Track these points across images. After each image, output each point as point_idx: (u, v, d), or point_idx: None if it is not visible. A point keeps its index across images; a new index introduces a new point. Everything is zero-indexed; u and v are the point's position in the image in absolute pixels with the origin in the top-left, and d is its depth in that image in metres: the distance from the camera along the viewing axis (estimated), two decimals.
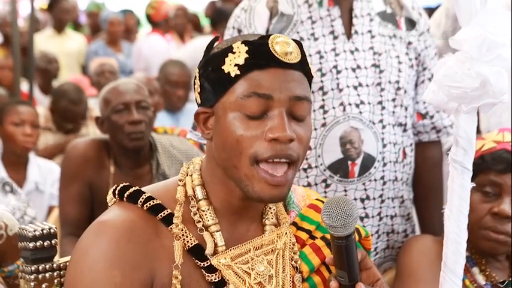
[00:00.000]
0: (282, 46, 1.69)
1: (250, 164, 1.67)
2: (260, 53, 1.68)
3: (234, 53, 1.68)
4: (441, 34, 3.94)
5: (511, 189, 2.42)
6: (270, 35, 1.71)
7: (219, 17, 8.17)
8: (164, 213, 1.72)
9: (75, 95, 5.52)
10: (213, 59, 1.71)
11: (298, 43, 1.73)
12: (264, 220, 1.82)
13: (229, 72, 1.67)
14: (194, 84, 1.77)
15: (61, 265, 1.87)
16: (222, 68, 1.68)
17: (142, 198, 1.73)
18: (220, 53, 1.70)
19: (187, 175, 1.80)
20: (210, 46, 1.75)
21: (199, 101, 1.76)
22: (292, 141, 1.67)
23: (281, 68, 1.68)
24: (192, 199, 1.76)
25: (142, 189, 1.77)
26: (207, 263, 1.72)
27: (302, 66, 1.72)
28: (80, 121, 5.55)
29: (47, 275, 1.85)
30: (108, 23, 8.85)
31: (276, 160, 1.67)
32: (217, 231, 1.74)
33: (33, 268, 1.84)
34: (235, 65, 1.67)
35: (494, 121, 3.35)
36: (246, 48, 1.68)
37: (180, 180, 1.79)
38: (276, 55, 1.68)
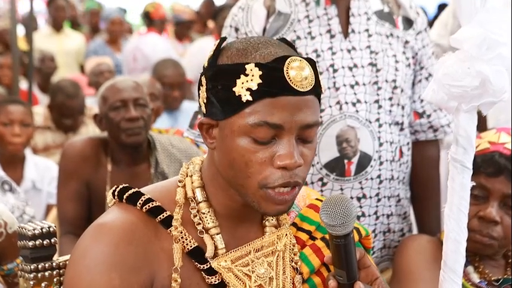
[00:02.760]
0: (297, 72, 1.62)
1: (259, 188, 1.66)
2: (274, 80, 1.61)
3: (246, 75, 1.61)
4: (449, 34, 3.96)
5: (499, 194, 2.42)
6: (286, 57, 1.64)
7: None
8: (163, 216, 1.71)
9: (71, 89, 5.53)
10: (222, 76, 1.65)
11: (312, 63, 1.68)
12: (264, 221, 1.80)
13: (240, 96, 1.61)
14: (199, 90, 1.72)
15: (60, 264, 1.86)
16: (233, 89, 1.62)
17: (142, 200, 1.71)
18: (231, 70, 1.64)
19: (187, 176, 1.78)
20: (217, 50, 1.69)
21: (204, 110, 1.71)
22: (300, 166, 1.66)
23: (294, 95, 1.63)
24: (191, 201, 1.74)
25: (142, 190, 1.75)
26: (207, 265, 1.71)
27: (315, 89, 1.67)
28: (77, 116, 5.55)
29: (47, 273, 1.84)
30: (110, 22, 8.81)
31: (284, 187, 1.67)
32: (217, 233, 1.73)
33: (32, 267, 1.82)
34: (248, 89, 1.61)
35: (504, 118, 3.35)
36: (260, 72, 1.61)
37: (179, 181, 1.77)
38: (291, 83, 1.61)
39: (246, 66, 1.62)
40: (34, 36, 6.63)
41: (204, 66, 1.72)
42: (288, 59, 1.63)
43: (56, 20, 8.88)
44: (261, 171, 1.64)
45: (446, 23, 4.12)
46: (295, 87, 1.62)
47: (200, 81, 1.71)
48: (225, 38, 1.73)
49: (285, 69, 1.62)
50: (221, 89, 1.65)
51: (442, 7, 9.84)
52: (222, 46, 1.71)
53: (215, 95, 1.66)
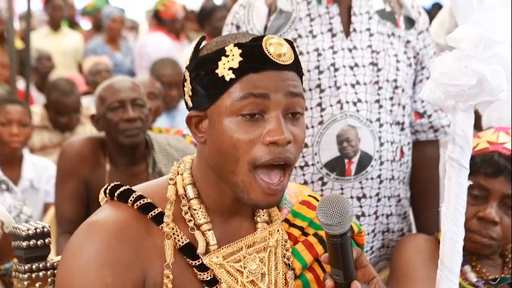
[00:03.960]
0: (275, 47, 1.67)
1: (249, 171, 1.66)
2: (254, 56, 1.66)
3: (227, 56, 1.66)
4: (445, 33, 3.97)
5: (499, 194, 2.42)
6: (263, 36, 1.69)
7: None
8: (155, 212, 1.71)
9: (66, 86, 5.54)
10: (204, 62, 1.69)
11: (290, 43, 1.72)
12: (256, 217, 1.81)
13: (223, 76, 1.65)
14: (184, 86, 1.75)
15: (55, 264, 1.86)
16: (216, 71, 1.66)
17: (133, 197, 1.72)
18: (212, 55, 1.68)
19: (178, 174, 1.79)
20: (197, 46, 1.73)
21: (190, 104, 1.74)
22: (289, 143, 1.66)
23: (275, 70, 1.67)
24: (183, 198, 1.75)
25: (133, 188, 1.76)
26: (199, 261, 1.71)
27: (295, 66, 1.71)
28: (73, 114, 5.55)
29: (41, 274, 1.84)
30: (111, 20, 8.79)
31: (275, 163, 1.67)
32: (209, 230, 1.74)
33: (26, 267, 1.82)
34: (230, 68, 1.65)
35: (496, 116, 3.35)
36: (240, 51, 1.66)
37: (170, 179, 1.78)
38: (270, 57, 1.66)
39: (226, 48, 1.67)
40: (32, 35, 6.62)
41: (186, 65, 1.74)
42: (266, 37, 1.69)
43: (54, 19, 8.88)
44: (250, 150, 1.65)
45: (443, 21, 4.13)
46: (276, 61, 1.66)
47: (184, 77, 1.73)
48: (204, 37, 1.76)
49: (263, 45, 1.67)
50: (204, 74, 1.68)
51: (436, 6, 9.85)
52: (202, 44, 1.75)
53: (199, 82, 1.69)
